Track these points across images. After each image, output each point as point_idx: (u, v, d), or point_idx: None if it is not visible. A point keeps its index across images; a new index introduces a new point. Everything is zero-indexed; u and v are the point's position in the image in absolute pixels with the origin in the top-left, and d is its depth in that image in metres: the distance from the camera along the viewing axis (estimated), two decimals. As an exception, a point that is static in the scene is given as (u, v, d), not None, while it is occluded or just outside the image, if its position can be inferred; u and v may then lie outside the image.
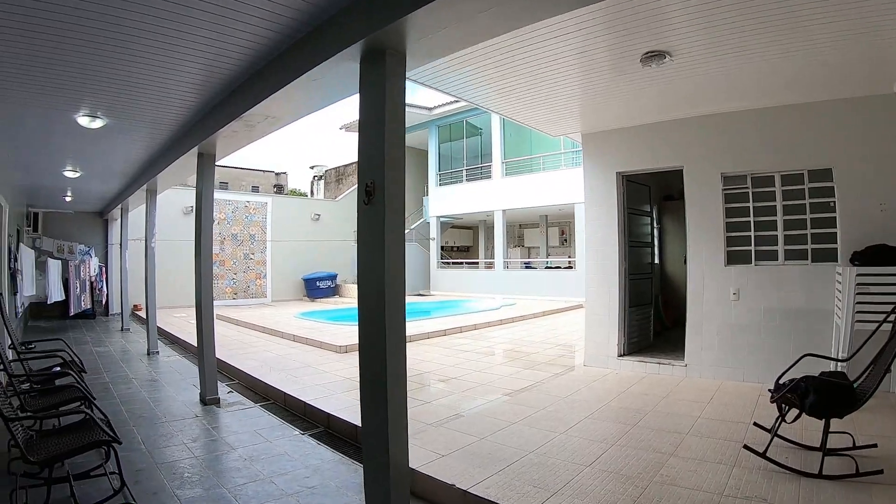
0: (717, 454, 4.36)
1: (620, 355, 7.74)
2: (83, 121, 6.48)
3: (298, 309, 18.61)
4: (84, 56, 4.50)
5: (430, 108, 23.15)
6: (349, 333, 11.37)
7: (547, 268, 21.54)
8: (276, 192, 41.99)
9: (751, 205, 6.79)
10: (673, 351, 7.76)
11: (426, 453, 4.62)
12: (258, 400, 7.25)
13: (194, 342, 9.22)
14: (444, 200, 23.63)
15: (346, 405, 6.23)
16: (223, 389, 7.63)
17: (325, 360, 9.26)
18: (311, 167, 37.35)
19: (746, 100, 6.44)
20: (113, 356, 10.47)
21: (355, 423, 5.43)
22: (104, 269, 17.37)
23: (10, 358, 6.10)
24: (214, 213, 17.98)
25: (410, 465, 3.88)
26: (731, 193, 6.89)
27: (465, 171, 23.02)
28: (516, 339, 11.12)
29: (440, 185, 23.95)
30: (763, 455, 4.04)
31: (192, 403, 6.90)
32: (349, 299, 21.56)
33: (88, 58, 4.55)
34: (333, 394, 6.92)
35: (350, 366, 8.60)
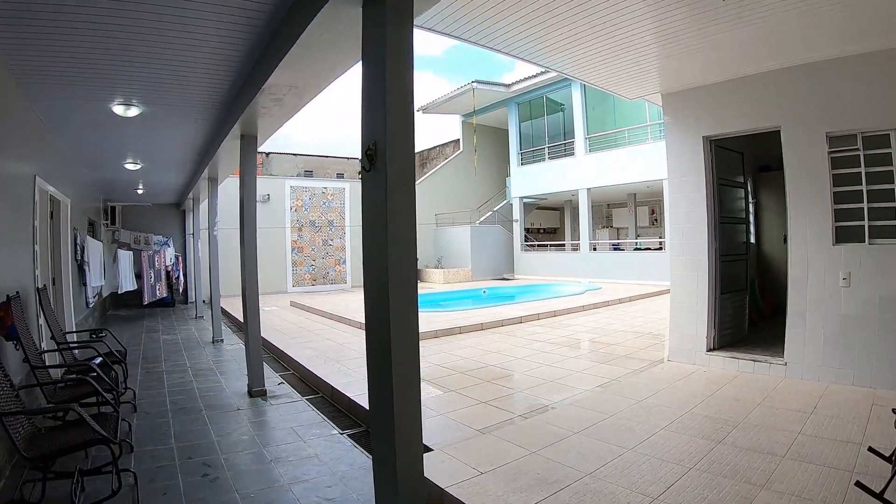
0: (821, 489, 3.39)
1: (710, 350, 6.73)
2: (118, 109, 6.37)
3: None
4: (111, 41, 4.46)
5: (507, 85, 22.26)
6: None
7: (636, 249, 20.23)
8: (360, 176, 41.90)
9: (863, 170, 5.62)
10: (771, 345, 6.66)
11: (464, 469, 3.96)
12: (307, 392, 6.90)
13: (270, 328, 9.84)
14: (526, 180, 22.67)
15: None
16: (275, 380, 7.52)
17: (349, 347, 9.00)
18: (396, 151, 36.96)
19: (859, 41, 5.32)
20: (178, 344, 10.55)
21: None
22: (180, 258, 17.59)
23: (45, 348, 6.09)
24: (290, 201, 18.47)
25: (442, 484, 3.67)
26: (838, 157, 5.74)
27: (547, 149, 21.94)
28: (597, 328, 10.21)
29: (522, 164, 23.01)
30: (880, 497, 2.97)
31: (240, 395, 6.71)
32: (430, 284, 21.12)
33: (115, 42, 4.48)
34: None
35: (422, 352, 8.04)
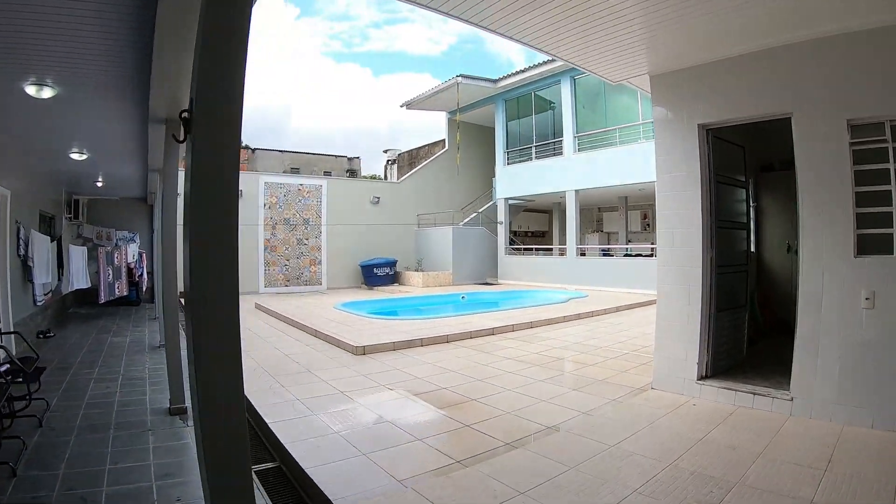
0: None
1: (702, 377, 5.64)
2: (31, 90, 5.47)
3: (348, 298, 17.22)
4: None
5: (494, 81, 21.17)
6: (378, 330, 9.97)
7: (626, 255, 19.17)
8: (348, 177, 40.92)
9: (892, 166, 4.58)
10: (774, 374, 5.58)
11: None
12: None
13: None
14: (512, 181, 21.58)
15: (319, 434, 4.88)
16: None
17: (331, 364, 7.97)
18: (385, 151, 36.13)
19: (891, 8, 4.28)
20: (122, 348, 9.80)
21: (316, 464, 4.10)
22: (144, 255, 16.62)
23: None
24: (265, 197, 17.47)
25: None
26: (862, 150, 4.67)
27: (534, 149, 20.78)
28: (576, 343, 9.14)
29: (508, 164, 21.91)
30: None
31: (159, 412, 5.94)
32: (409, 287, 20.05)
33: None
34: (310, 414, 5.51)
35: (357, 373, 7.31)
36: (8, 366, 5.55)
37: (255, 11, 2.46)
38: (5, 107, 6.35)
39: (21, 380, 5.88)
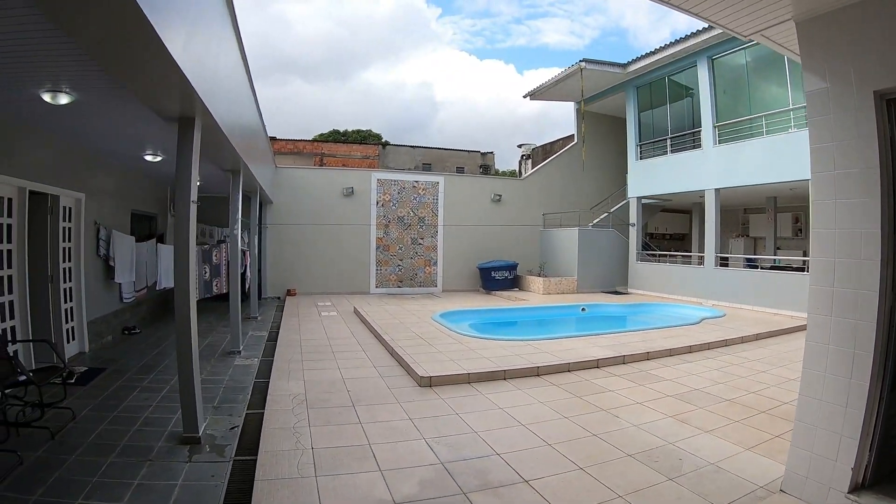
0: None
1: (856, 489, 3.69)
2: (46, 97, 5.43)
3: (458, 303, 15.97)
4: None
5: (623, 65, 18.94)
6: (461, 353, 8.71)
7: (773, 267, 16.44)
8: (481, 173, 39.67)
9: None
10: None
11: None
12: (251, 448, 5.12)
13: (302, 340, 9.78)
14: (645, 178, 19.24)
15: None
16: (230, 423, 5.88)
17: (384, 399, 6.69)
18: (519, 146, 34.53)
19: None
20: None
21: None
22: (248, 253, 16.26)
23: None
24: (377, 195, 16.66)
25: None
26: None
27: (669, 141, 18.30)
28: (695, 391, 7.13)
29: (641, 158, 19.59)
30: None
31: (173, 437, 5.33)
32: (528, 294, 18.49)
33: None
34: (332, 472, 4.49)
35: (406, 416, 6.08)
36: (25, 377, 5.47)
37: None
38: (78, 114, 6.33)
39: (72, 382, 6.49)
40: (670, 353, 9.21)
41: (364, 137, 46.95)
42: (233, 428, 5.73)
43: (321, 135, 46.98)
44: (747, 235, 21.26)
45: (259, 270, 18.11)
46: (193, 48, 4.33)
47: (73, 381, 7.21)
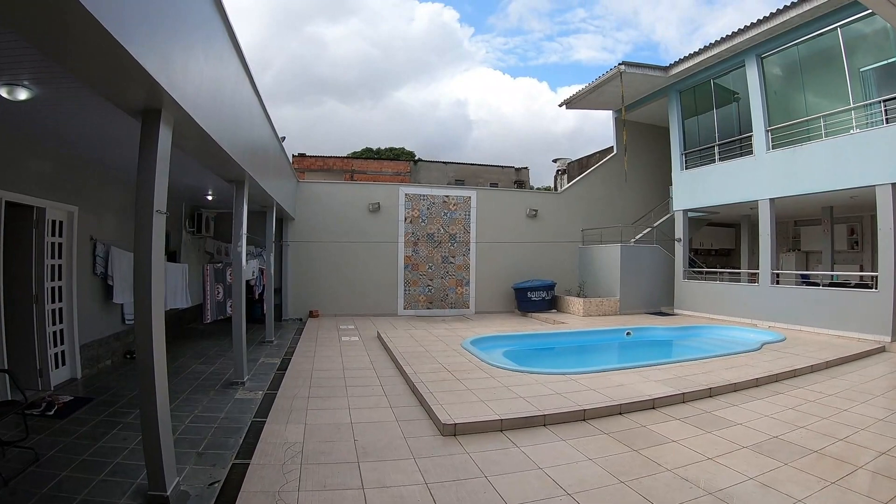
0: None
1: None
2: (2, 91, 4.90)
3: (492, 327, 14.84)
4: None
5: (665, 68, 17.60)
6: (493, 391, 7.63)
7: (830, 284, 14.80)
8: (516, 187, 38.45)
9: None
10: None
11: None
12: None
13: (314, 370, 9.11)
14: (691, 188, 17.76)
15: None
16: (209, 477, 4.90)
17: (396, 452, 5.53)
18: (554, 160, 33.27)
19: None
20: (195, 380, 8.79)
21: None
22: (264, 271, 15.42)
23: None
24: (405, 210, 15.62)
25: None
26: None
27: (717, 148, 16.80)
28: (773, 439, 5.85)
29: (686, 168, 18.13)
30: None
31: (140, 494, 4.43)
32: (566, 316, 17.24)
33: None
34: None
35: (420, 480, 4.82)
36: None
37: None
38: (46, 113, 5.91)
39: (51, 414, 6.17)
40: (735, 387, 7.93)
41: (397, 155, 46.24)
42: (212, 483, 4.75)
43: (354, 153, 46.40)
44: (799, 249, 19.71)
45: (280, 290, 17.21)
46: (153, 36, 3.82)
47: (52, 412, 6.56)
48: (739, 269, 18.77)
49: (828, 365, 9.50)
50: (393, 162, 40.08)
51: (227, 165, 7.36)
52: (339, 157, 38.20)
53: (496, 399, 7.04)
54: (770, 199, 14.68)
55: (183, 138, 5.47)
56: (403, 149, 49.80)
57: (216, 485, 4.69)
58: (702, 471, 4.96)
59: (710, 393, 7.58)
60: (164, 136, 4.56)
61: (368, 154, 46.82)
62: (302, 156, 35.46)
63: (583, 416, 6.50)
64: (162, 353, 4.49)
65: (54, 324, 8.07)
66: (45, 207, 7.73)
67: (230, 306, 13.39)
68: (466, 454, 5.39)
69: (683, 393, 7.36)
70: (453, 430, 5.96)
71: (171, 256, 13.52)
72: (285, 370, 9.42)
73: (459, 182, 37.74)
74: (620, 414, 6.71)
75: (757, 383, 8.21)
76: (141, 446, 4.54)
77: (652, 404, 7.01)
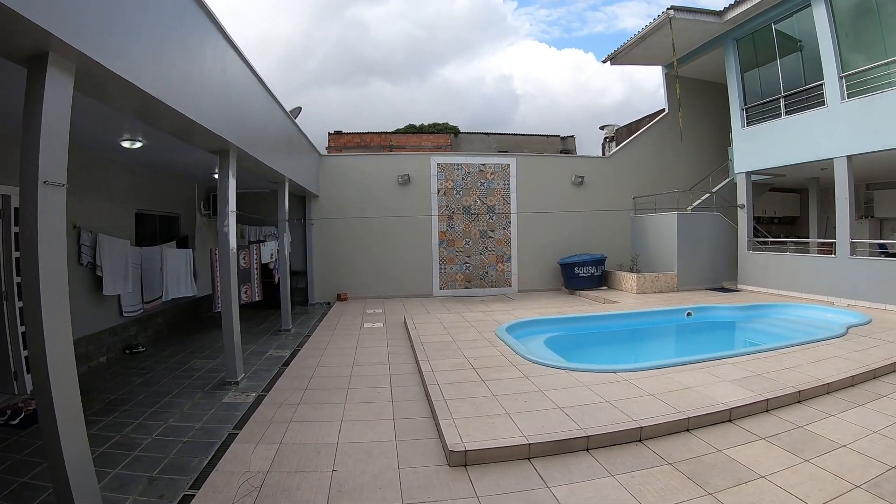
0: None
1: None
2: None
3: (535, 307, 13.46)
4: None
5: (719, 13, 15.37)
6: (525, 397, 6.20)
7: None
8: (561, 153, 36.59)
9: None
10: None
11: None
12: None
13: (319, 366, 8.26)
14: (754, 148, 15.71)
15: None
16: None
17: (388, 489, 4.25)
18: (601, 127, 31.32)
19: None
20: (189, 378, 7.93)
21: None
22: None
23: None
24: (438, 182, 14.14)
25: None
26: None
27: (783, 101, 14.67)
28: (888, 466, 4.38)
29: (748, 125, 16.06)
30: None
31: None
32: (618, 293, 15.71)
33: None
34: None
35: None
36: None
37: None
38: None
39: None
40: (828, 389, 6.34)
41: (440, 130, 44.61)
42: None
43: (397, 130, 44.98)
44: (872, 216, 17.58)
45: (305, 273, 16.06)
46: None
47: (16, 421, 5.85)
48: (808, 238, 16.80)
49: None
50: (433, 135, 38.45)
51: (193, 130, 6.12)
52: (376, 133, 36.77)
53: (527, 411, 5.63)
54: (847, 156, 12.69)
55: (105, 93, 4.44)
56: (447, 123, 48.17)
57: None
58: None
59: (799, 398, 6.03)
60: (56, 87, 3.45)
61: (411, 129, 45.33)
62: (339, 133, 34.17)
63: (639, 435, 5.06)
64: (70, 369, 3.62)
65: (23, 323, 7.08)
66: (8, 194, 6.88)
67: (245, 292, 12.30)
68: (475, 498, 4.01)
69: (767, 399, 5.81)
70: (463, 459, 4.58)
71: (183, 242, 12.52)
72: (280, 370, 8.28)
73: (503, 153, 36.03)
74: (688, 430, 5.25)
75: (853, 382, 6.63)
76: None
77: (728, 416, 5.51)
